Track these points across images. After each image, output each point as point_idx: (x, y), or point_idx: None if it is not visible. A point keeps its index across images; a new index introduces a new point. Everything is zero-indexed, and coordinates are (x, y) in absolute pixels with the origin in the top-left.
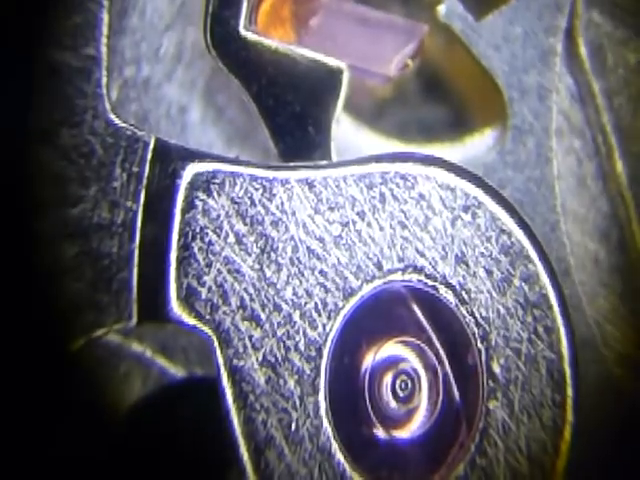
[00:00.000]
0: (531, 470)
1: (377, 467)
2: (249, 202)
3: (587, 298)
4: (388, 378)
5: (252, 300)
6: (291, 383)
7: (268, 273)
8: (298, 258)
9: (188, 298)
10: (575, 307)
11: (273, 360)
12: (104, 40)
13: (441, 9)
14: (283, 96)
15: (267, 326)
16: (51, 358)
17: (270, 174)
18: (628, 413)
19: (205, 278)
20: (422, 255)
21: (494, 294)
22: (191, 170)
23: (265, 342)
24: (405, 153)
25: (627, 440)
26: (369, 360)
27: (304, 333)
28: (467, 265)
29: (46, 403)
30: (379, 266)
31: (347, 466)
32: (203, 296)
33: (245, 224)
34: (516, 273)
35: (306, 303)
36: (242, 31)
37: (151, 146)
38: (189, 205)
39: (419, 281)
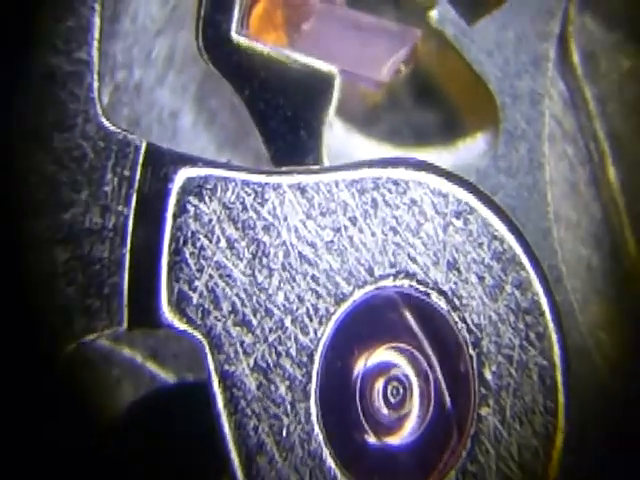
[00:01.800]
0: (523, 477)
1: (368, 473)
2: (241, 207)
3: (579, 305)
4: (379, 384)
5: (244, 305)
6: (282, 389)
7: (260, 278)
8: (290, 263)
9: (179, 303)
10: (567, 314)
11: (264, 365)
12: (96, 44)
13: (434, 14)
14: (275, 100)
15: (258, 331)
16: (42, 363)
17: (262, 179)
18: (620, 419)
19: (196, 283)
20: (414, 261)
21: (486, 300)
22: (183, 174)
23: (256, 347)
24: (397, 158)
25: (618, 447)
26: (360, 366)
27: (295, 338)
28: (459, 271)
29: (36, 408)
30: (371, 272)
31: (338, 472)
32: (194, 301)
33: (237, 229)
34: (508, 279)
35: (298, 308)
36: (234, 35)
37: (142, 150)
38: (181, 210)
39: (411, 287)
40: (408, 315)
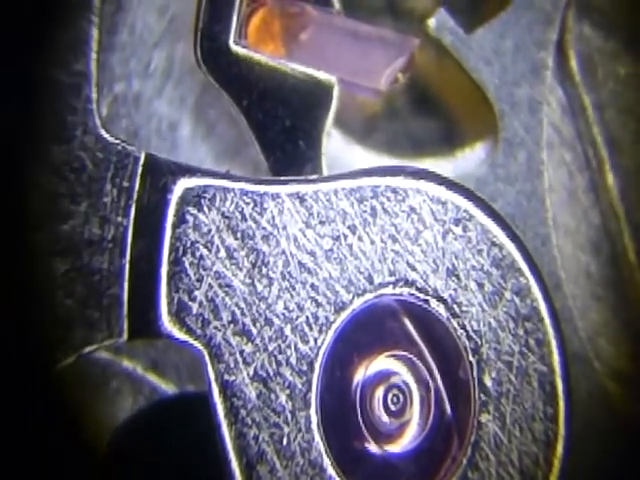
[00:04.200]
0: None
1: None
2: (240, 216)
3: (579, 311)
4: (380, 392)
5: (243, 315)
6: (282, 398)
7: (259, 287)
8: (289, 272)
9: (179, 313)
10: (567, 320)
11: (264, 375)
12: (94, 56)
13: (431, 23)
14: (273, 110)
15: (258, 340)
16: (41, 375)
17: (261, 188)
18: (620, 426)
19: (196, 293)
20: (413, 268)
21: (485, 307)
22: (182, 185)
23: (256, 357)
24: (396, 167)
25: (619, 454)
26: (360, 374)
27: (295, 347)
28: (458, 278)
29: (34, 420)
30: (370, 280)
31: None
32: (194, 311)
33: (236, 238)
34: (507, 286)
35: (297, 317)
36: (232, 46)
37: (141, 161)
38: (180, 220)
39: (410, 294)
40: (408, 323)
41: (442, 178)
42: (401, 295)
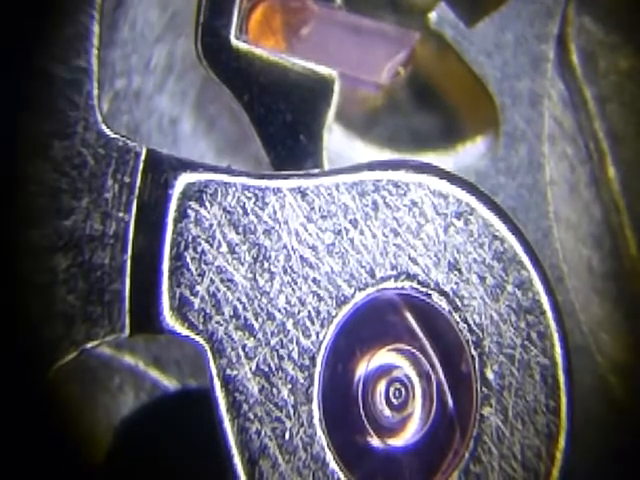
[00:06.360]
0: (526, 477)
1: (371, 475)
2: (241, 211)
3: (580, 304)
4: (382, 386)
5: (245, 309)
6: (285, 392)
7: (261, 282)
8: (291, 267)
9: (181, 308)
10: (569, 313)
11: (266, 369)
12: (95, 52)
13: (432, 16)
14: (275, 105)
15: (260, 335)
16: (43, 370)
17: (262, 183)
18: (621, 420)
19: (198, 288)
20: (415, 262)
21: (487, 300)
22: (183, 180)
23: (258, 351)
24: (397, 160)
25: (621, 447)
26: (362, 368)
27: (297, 342)
28: (460, 272)
29: (37, 416)
30: (372, 274)
31: (341, 475)
32: (196, 306)
33: (238, 233)
34: (509, 279)
35: (299, 312)
36: (233, 41)
37: (143, 156)
38: (181, 215)
39: (412, 288)
40: (409, 316)
41: (443, 172)
42: (403, 289)
